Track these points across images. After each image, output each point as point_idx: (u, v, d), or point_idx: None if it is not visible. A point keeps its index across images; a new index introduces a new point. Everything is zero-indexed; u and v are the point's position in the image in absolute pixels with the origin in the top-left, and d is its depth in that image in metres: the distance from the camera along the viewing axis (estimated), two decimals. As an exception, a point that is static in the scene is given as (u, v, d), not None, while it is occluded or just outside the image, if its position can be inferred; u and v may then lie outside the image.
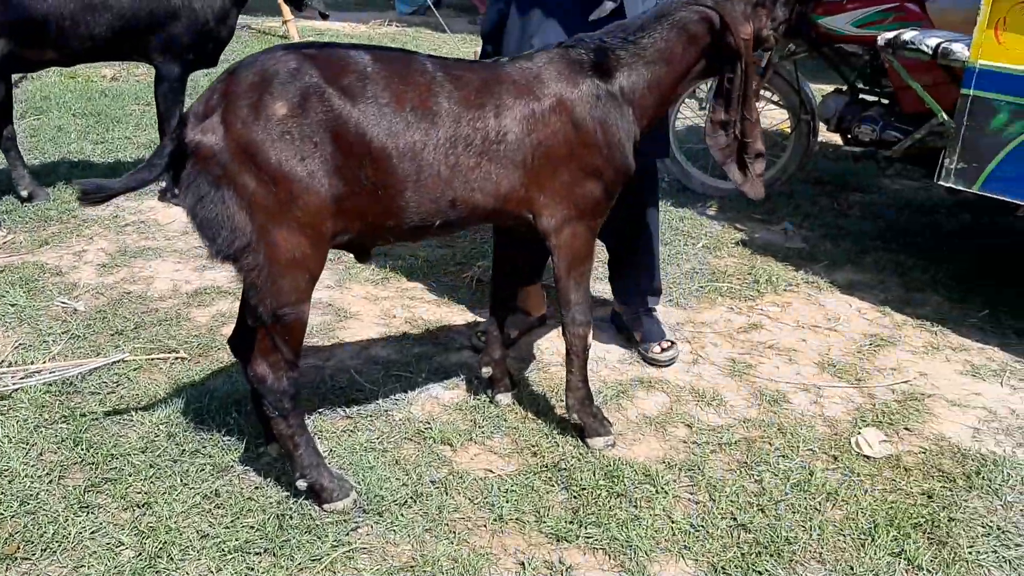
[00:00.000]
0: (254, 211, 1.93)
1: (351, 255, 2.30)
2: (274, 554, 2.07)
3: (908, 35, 3.27)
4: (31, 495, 2.22)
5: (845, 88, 4.00)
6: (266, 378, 2.10)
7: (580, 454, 2.44)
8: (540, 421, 2.59)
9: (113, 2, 3.66)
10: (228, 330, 2.71)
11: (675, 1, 2.31)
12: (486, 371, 2.65)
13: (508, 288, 2.63)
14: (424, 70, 2.09)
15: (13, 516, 2.15)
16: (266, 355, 2.09)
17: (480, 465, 2.41)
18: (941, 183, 3.01)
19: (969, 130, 2.90)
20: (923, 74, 3.43)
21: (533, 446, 2.48)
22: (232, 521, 2.17)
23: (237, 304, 3.23)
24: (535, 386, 2.78)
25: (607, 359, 2.98)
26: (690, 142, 4.75)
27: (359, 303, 3.32)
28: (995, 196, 2.90)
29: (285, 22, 8.24)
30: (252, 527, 2.15)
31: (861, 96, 3.91)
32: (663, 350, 2.91)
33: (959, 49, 3.09)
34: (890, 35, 3.33)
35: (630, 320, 3.00)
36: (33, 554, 2.04)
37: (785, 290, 3.49)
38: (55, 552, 2.05)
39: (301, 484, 2.21)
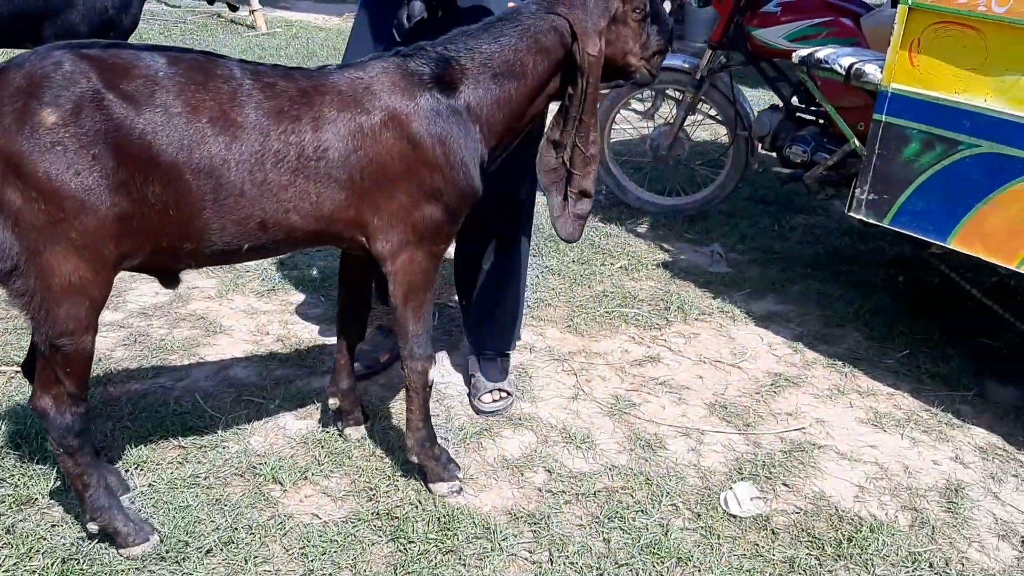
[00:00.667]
0: (21, 231, 1.72)
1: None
2: (47, 606, 1.88)
3: (823, 53, 3.04)
4: None
5: (781, 105, 3.77)
6: (48, 412, 1.90)
7: (419, 501, 2.23)
8: (388, 460, 2.38)
9: None
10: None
11: (523, 6, 2.10)
12: (332, 402, 2.45)
13: (357, 310, 2.41)
14: (229, 76, 1.87)
15: None
16: (48, 387, 1.89)
17: (308, 509, 2.21)
18: (852, 215, 2.79)
19: (880, 159, 2.67)
20: (844, 95, 3.21)
21: (371, 489, 2.27)
22: (15, 563, 1.98)
23: (111, 313, 3.05)
24: (396, 419, 2.58)
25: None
26: (625, 154, 4.53)
27: (235, 317, 3.12)
28: (905, 231, 2.67)
29: (252, 11, 8.04)
30: (34, 571, 1.96)
31: (798, 114, 3.68)
32: (493, 400, 2.65)
33: (872, 71, 2.85)
34: (804, 52, 3.10)
35: (466, 356, 2.79)
36: None
37: (696, 319, 3.28)
38: None
39: (92, 527, 2.02)
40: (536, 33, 2.07)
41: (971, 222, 2.50)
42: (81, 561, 1.99)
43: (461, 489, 2.29)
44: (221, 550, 2.05)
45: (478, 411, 2.64)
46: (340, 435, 2.47)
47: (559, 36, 2.07)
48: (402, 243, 2.06)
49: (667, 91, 4.19)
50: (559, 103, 2.19)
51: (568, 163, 2.16)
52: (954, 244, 2.55)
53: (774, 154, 3.78)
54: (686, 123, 4.15)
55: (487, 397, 2.65)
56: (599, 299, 3.37)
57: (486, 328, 2.73)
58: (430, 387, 2.24)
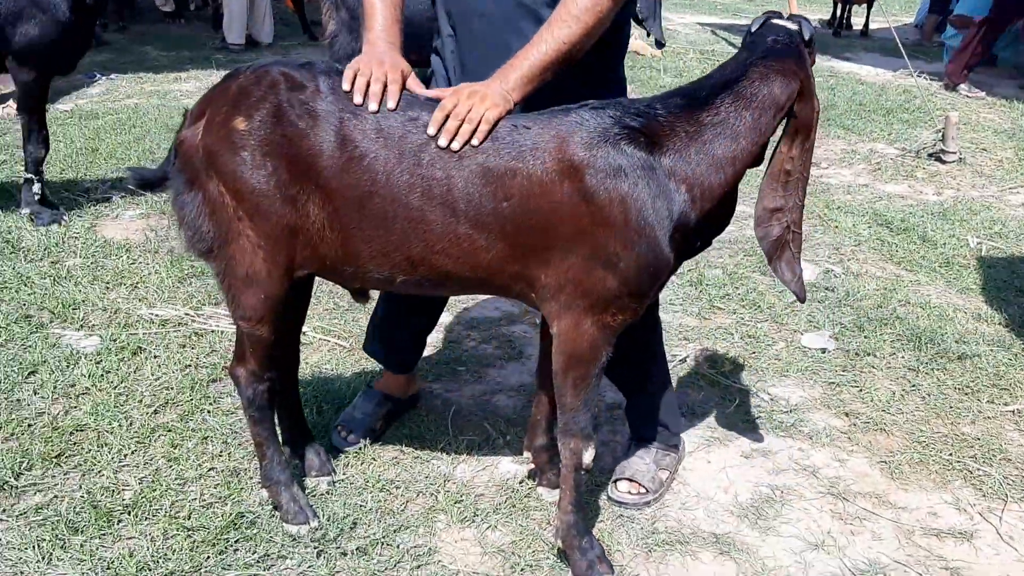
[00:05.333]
0: (215, 220, 1.95)
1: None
2: None
3: None
4: None
5: None
6: (239, 381, 2.14)
7: (553, 588, 2.04)
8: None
9: None
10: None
11: (752, 60, 1.87)
12: (527, 457, 2.36)
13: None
14: (402, 104, 1.90)
15: None
16: (240, 360, 2.13)
17: (454, 550, 2.17)
18: None
19: None
20: None
21: (518, 557, 2.14)
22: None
23: (445, 315, 3.30)
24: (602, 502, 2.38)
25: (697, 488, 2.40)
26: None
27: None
28: None
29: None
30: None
31: None
32: (627, 491, 2.35)
33: None
34: None
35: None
36: None
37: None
38: None
39: (263, 493, 2.24)
40: (783, 95, 1.84)
41: None
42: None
43: None
44: (359, 555, 2.11)
45: (616, 502, 2.36)
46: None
47: (789, 94, 1.84)
48: (569, 306, 1.90)
49: None
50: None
51: (795, 224, 1.94)
52: None
53: None
54: None
55: (622, 485, 2.38)
56: (954, 443, 2.67)
57: (635, 408, 2.49)
58: (585, 469, 2.03)
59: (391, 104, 1.88)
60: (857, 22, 10.85)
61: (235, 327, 2.11)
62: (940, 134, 5.46)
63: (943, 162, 5.36)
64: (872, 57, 9.21)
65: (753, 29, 1.92)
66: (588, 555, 2.05)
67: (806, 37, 1.89)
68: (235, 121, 1.89)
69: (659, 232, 1.83)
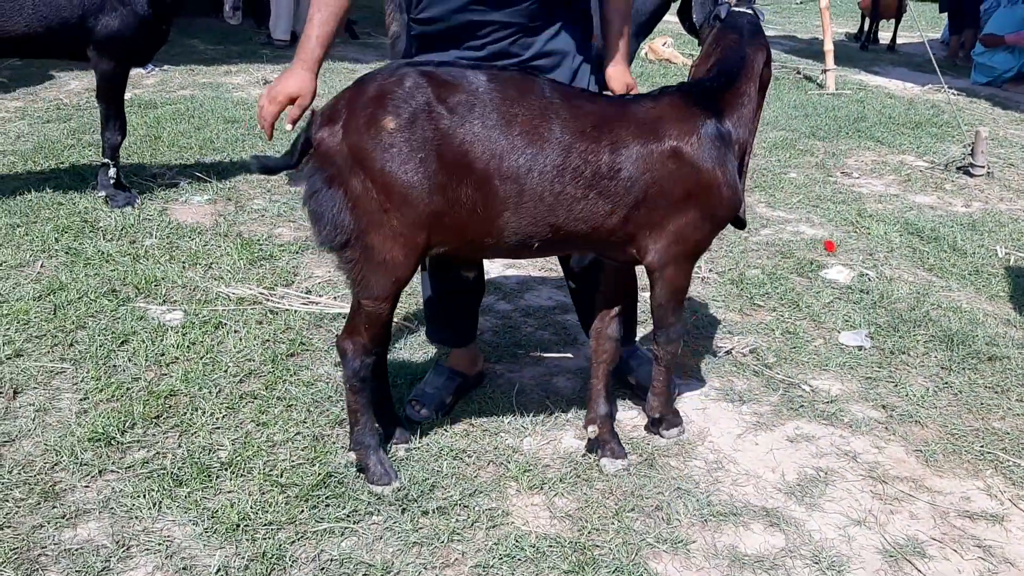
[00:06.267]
0: (357, 213, 2.14)
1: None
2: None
3: None
4: None
5: None
6: (346, 352, 2.34)
7: (620, 560, 2.23)
8: (615, 505, 2.40)
9: None
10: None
11: (743, 41, 2.36)
12: (591, 430, 2.54)
13: (612, 333, 2.55)
14: (541, 94, 2.15)
15: (181, 392, 2.74)
16: (350, 334, 2.33)
17: (526, 514, 2.36)
18: None
19: None
20: None
21: (585, 522, 2.33)
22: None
23: (503, 304, 3.49)
24: (659, 469, 2.57)
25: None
26: None
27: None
28: None
29: (825, 71, 8.05)
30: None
31: None
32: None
33: None
34: None
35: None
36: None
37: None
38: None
39: (350, 455, 2.43)
40: (761, 64, 2.39)
41: None
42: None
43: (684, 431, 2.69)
44: (439, 514, 2.31)
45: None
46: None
47: (764, 63, 2.39)
48: (674, 254, 2.33)
49: None
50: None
51: (749, 159, 2.44)
52: None
53: None
54: None
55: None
56: (985, 436, 2.85)
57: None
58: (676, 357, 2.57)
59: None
60: (884, 36, 11.02)
61: (352, 304, 2.30)
62: (969, 148, 5.63)
63: (971, 175, 5.54)
64: (900, 71, 9.39)
65: (722, 16, 2.40)
66: (676, 412, 2.71)
67: (761, 18, 2.44)
68: (383, 121, 2.08)
69: (738, 185, 2.29)
